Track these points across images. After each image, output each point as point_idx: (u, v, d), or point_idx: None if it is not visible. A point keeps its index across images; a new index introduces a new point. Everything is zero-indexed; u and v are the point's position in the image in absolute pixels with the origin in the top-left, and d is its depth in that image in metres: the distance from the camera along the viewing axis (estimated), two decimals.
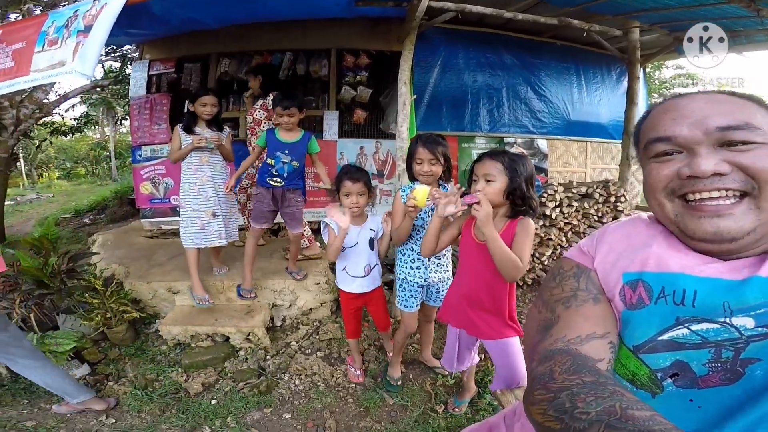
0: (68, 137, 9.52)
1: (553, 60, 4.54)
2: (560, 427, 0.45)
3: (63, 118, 9.93)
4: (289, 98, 2.60)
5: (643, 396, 0.63)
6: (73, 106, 11.21)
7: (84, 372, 2.43)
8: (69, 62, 1.75)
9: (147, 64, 3.85)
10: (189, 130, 2.68)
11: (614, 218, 3.49)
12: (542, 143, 4.48)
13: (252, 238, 2.72)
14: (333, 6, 3.17)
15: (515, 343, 1.67)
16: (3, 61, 2.06)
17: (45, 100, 6.08)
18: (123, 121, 15.38)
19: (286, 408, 2.19)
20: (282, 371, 2.45)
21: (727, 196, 0.58)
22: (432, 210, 1.91)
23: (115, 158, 17.34)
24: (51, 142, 11.05)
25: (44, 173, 19.76)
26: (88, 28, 1.75)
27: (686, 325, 0.60)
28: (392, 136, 3.82)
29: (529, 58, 4.42)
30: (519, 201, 1.50)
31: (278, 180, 2.58)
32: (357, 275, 2.08)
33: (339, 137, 3.89)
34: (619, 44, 3.76)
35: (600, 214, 3.43)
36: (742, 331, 0.56)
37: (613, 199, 3.46)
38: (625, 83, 4.71)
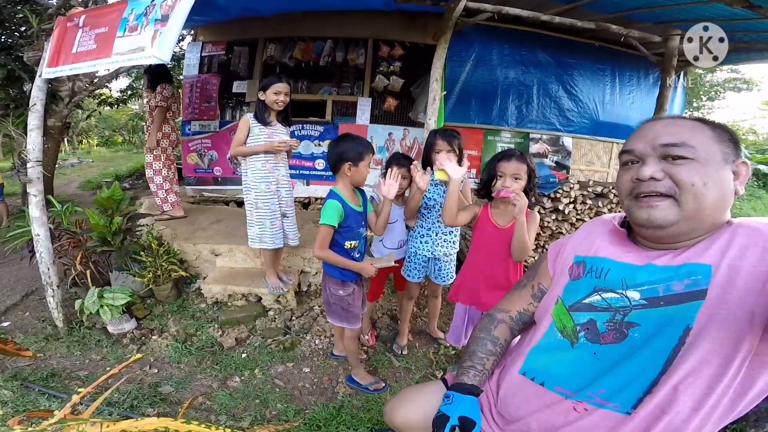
0: (113, 108, 10.04)
1: (589, 60, 4.50)
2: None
3: (110, 90, 10.45)
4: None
5: (565, 344, 0.86)
6: (117, 76, 11.72)
7: (131, 326, 2.64)
8: (148, 48, 1.95)
9: (200, 46, 4.14)
10: (264, 121, 2.44)
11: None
12: (567, 141, 4.52)
13: (354, 339, 2.15)
14: (374, 1, 3.35)
15: None
16: (87, 44, 2.26)
17: (98, 74, 6.49)
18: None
19: (306, 363, 2.41)
20: (305, 331, 2.68)
21: (658, 195, 0.76)
22: (438, 189, 2.22)
23: None
24: (100, 113, 11.65)
25: (84, 140, 20.65)
26: (164, 18, 1.95)
27: (599, 293, 0.83)
28: (420, 125, 4.01)
29: (564, 58, 4.40)
30: (532, 197, 1.78)
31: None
32: (393, 248, 2.36)
33: (370, 122, 4.10)
34: (659, 50, 3.67)
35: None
36: (631, 301, 0.77)
37: None
38: None
